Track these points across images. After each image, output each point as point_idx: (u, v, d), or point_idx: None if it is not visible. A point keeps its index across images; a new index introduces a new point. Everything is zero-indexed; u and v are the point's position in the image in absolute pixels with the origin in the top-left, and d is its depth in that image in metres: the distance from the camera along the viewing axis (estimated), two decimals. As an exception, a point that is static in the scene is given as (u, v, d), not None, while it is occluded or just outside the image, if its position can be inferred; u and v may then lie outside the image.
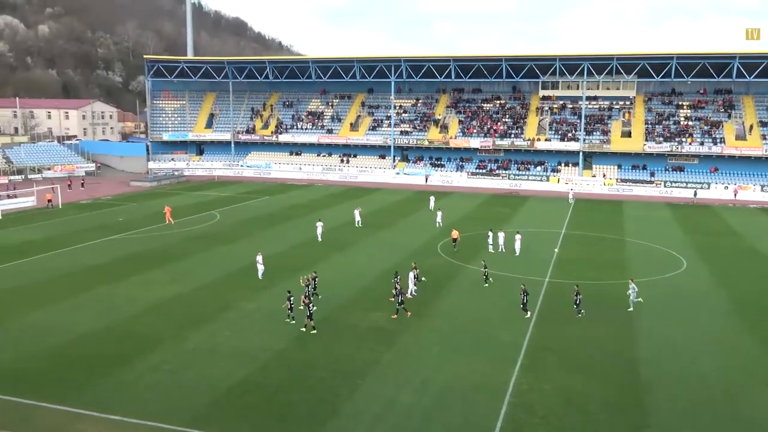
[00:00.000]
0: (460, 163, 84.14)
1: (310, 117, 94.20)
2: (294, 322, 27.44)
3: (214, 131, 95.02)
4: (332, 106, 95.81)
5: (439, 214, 51.88)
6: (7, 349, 24.42)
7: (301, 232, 48.02)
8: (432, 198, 61.60)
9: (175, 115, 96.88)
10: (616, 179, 76.69)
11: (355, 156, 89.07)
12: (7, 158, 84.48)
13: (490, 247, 42.00)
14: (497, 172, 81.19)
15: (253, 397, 20.69)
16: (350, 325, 27.48)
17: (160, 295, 31.58)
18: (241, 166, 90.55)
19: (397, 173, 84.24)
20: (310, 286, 30.27)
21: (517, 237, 41.47)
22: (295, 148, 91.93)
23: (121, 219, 53.53)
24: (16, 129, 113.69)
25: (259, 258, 34.92)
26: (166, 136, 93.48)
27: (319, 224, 46.48)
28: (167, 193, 70.61)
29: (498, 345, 25.37)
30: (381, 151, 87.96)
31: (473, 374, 22.52)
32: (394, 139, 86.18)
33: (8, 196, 60.37)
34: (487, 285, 33.55)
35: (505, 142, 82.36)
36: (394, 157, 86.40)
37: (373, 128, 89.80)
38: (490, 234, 42.59)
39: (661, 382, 22.17)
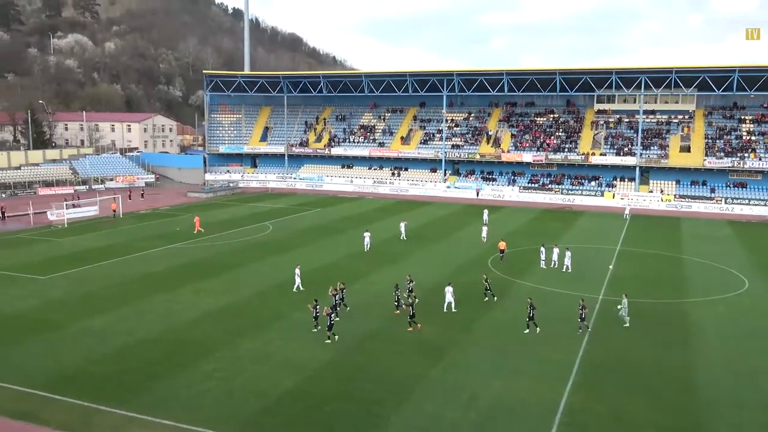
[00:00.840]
0: (512, 177, 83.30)
1: (362, 130, 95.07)
2: (317, 330, 27.72)
3: (268, 144, 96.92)
4: (384, 119, 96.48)
5: (485, 229, 51.06)
6: (70, 352, 25.36)
7: (352, 244, 48.37)
8: (486, 211, 61.24)
9: (232, 129, 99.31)
10: (674, 195, 74.46)
11: (406, 169, 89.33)
12: (73, 169, 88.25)
13: (542, 262, 41.27)
14: (550, 186, 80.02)
15: (301, 406, 20.88)
16: (398, 337, 27.46)
17: (214, 303, 32.30)
18: (294, 178, 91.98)
19: (448, 187, 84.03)
20: (337, 296, 30.44)
21: (567, 253, 40.64)
22: (347, 161, 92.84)
23: (178, 229, 55.08)
24: (82, 141, 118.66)
25: (297, 270, 35.31)
26: (222, 149, 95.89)
27: (367, 234, 46.87)
28: (222, 204, 72.32)
29: (549, 362, 24.89)
30: (432, 164, 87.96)
31: (523, 391, 22.15)
32: (446, 152, 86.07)
33: (73, 206, 62.84)
34: (486, 300, 32.95)
35: (559, 157, 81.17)
36: (445, 170, 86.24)
37: (425, 142, 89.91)
38: (543, 249, 41.91)
39: (720, 406, 21.32)
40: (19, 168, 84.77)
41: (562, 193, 78.20)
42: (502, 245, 43.96)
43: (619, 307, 29.74)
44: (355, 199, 78.77)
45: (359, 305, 31.72)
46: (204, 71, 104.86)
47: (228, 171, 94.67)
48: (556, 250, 41.54)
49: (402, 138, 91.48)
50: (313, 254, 44.95)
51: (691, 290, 36.10)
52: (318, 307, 27.85)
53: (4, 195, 77.47)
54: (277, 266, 40.83)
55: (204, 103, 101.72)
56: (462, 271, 40.12)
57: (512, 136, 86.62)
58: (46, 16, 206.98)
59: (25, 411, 20.18)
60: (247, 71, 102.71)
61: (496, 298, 33.13)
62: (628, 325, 29.03)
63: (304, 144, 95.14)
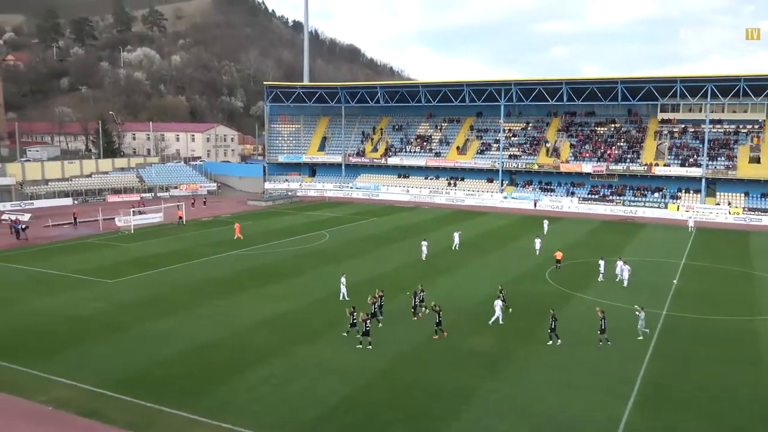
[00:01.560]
0: (571, 188, 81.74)
1: (418, 140, 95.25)
2: (347, 335, 28.16)
3: (326, 154, 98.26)
4: (441, 129, 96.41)
5: (538, 241, 49.78)
6: (133, 354, 26.32)
7: (407, 254, 48.47)
8: (546, 222, 60.31)
9: (291, 138, 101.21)
10: (743, 208, 71.46)
11: (462, 179, 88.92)
12: (140, 177, 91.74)
13: (601, 276, 40.20)
14: (611, 197, 78.11)
15: (356, 414, 21.03)
16: (452, 348, 27.32)
17: (272, 310, 32.94)
18: (351, 187, 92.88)
19: (505, 197, 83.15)
20: (375, 305, 30.80)
21: (626, 267, 39.26)
22: (403, 171, 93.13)
23: (238, 236, 56.33)
24: (149, 150, 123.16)
25: (343, 279, 35.52)
26: (281, 158, 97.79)
27: (424, 243, 46.93)
28: (281, 213, 73.66)
29: (609, 378, 24.26)
30: (489, 174, 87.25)
31: (580, 408, 21.66)
32: (503, 162, 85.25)
33: (139, 212, 65.25)
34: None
35: (620, 167, 79.19)
36: (502, 180, 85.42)
37: (481, 152, 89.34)
38: (602, 263, 40.88)
39: (792, 430, 20.30)
40: (90, 176, 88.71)
41: (623, 205, 76.19)
42: (558, 255, 43.44)
43: (637, 313, 29.17)
44: (411, 209, 78.86)
45: (411, 315, 31.70)
46: (264, 83, 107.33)
47: (287, 180, 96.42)
48: (619, 264, 40.11)
49: (458, 148, 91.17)
50: (369, 263, 45.26)
51: (762, 307, 34.55)
52: (355, 313, 28.28)
53: (76, 201, 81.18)
54: (333, 275, 41.19)
55: (264, 114, 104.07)
56: (517, 282, 39.60)
57: (571, 146, 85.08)
58: (117, 31, 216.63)
59: (94, 409, 21.03)
60: (306, 82, 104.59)
61: (510, 309, 32.38)
62: (641, 338, 28.48)
63: (361, 154, 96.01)
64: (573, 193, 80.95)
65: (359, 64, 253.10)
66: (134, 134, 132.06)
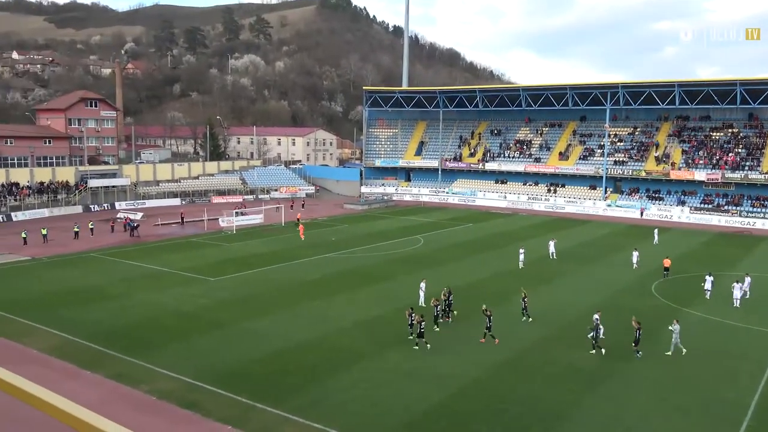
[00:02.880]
0: (681, 197, 77.38)
1: (517, 145, 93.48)
2: (412, 337, 28.10)
3: (422, 158, 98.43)
4: (541, 134, 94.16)
5: (636, 254, 46.11)
6: (231, 350, 27.40)
7: (502, 261, 47.66)
8: (656, 231, 57.54)
9: (388, 143, 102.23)
10: None
11: (563, 186, 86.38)
12: (243, 179, 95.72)
13: (707, 293, 36.91)
14: (726, 208, 73.25)
15: (446, 423, 20.80)
16: (549, 361, 26.48)
17: (364, 313, 33.33)
18: (447, 192, 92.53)
19: (609, 205, 79.97)
20: (439, 306, 30.88)
21: (737, 286, 35.41)
22: (501, 177, 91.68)
23: (334, 239, 57.56)
24: (252, 154, 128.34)
25: (422, 285, 35.16)
26: (378, 162, 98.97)
27: (522, 251, 45.93)
28: (376, 217, 74.48)
29: (719, 402, 22.68)
30: (591, 181, 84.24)
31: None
32: (607, 169, 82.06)
33: (242, 213, 68.00)
34: (524, 319, 31.69)
35: (737, 175, 74.11)
36: (606, 188, 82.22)
37: (584, 157, 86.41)
38: (708, 279, 37.30)
39: None
40: (197, 178, 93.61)
41: (740, 215, 71.23)
42: (666, 263, 41.73)
43: (670, 328, 27.25)
44: (508, 216, 77.49)
45: (508, 324, 31.12)
46: (364, 87, 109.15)
47: (383, 184, 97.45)
48: (738, 285, 35.61)
49: (560, 153, 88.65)
50: (463, 270, 44.86)
51: None
52: (414, 315, 28.36)
53: (184, 202, 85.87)
54: (429, 279, 41.12)
55: (363, 118, 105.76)
56: (620, 295, 37.94)
57: (683, 152, 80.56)
58: (226, 39, 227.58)
59: (193, 401, 22.06)
60: (404, 87, 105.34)
61: (531, 319, 31.87)
62: (669, 353, 26.76)
63: (458, 158, 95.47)
64: (684, 202, 76.59)
65: (458, 68, 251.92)
66: (239, 138, 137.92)
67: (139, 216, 67.71)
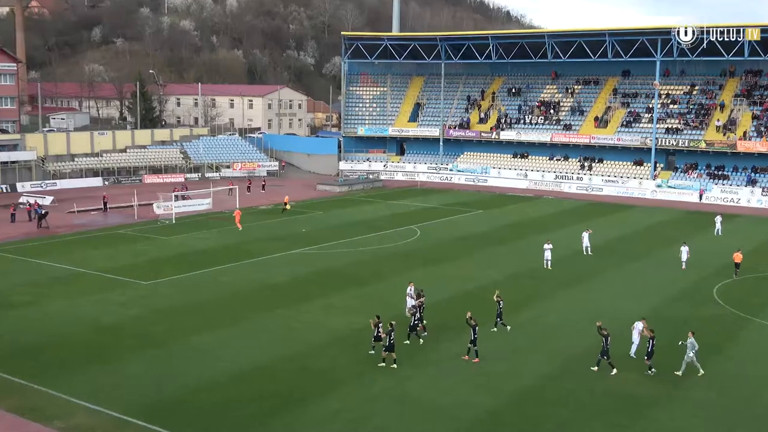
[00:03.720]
0: (752, 175, 78.14)
1: (541, 108, 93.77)
2: (373, 352, 28.72)
3: (419, 125, 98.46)
4: (572, 93, 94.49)
5: (685, 250, 46.10)
6: (173, 375, 27.26)
7: (522, 259, 47.91)
8: (718, 219, 58.00)
9: (374, 105, 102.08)
10: None
11: (600, 161, 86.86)
12: (184, 153, 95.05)
13: None
14: (809, 189, 74.18)
15: (450, 467, 20.97)
16: (582, 386, 26.70)
17: (345, 325, 33.40)
18: (451, 170, 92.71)
19: (659, 186, 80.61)
20: (414, 316, 31.35)
21: None
22: (521, 149, 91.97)
23: (304, 230, 57.46)
24: (196, 119, 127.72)
25: (410, 290, 35.17)
26: (361, 131, 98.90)
27: (547, 247, 45.97)
28: (360, 201, 74.48)
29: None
30: (637, 155, 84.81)
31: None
32: (657, 138, 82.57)
33: (184, 197, 67.55)
34: (494, 329, 32.26)
35: (824, 147, 74.94)
36: (655, 163, 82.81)
37: (628, 124, 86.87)
38: None
39: None
40: (124, 150, 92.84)
41: (827, 199, 72.17)
42: (737, 257, 42.40)
43: (681, 342, 27.97)
44: (530, 199, 77.80)
45: (531, 340, 31.29)
46: (343, 33, 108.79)
47: (368, 159, 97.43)
48: None
49: (596, 119, 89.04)
50: (471, 270, 45.01)
51: None
52: (381, 324, 28.74)
53: (107, 182, 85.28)
54: (424, 282, 41.19)
55: (341, 73, 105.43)
56: (675, 301, 38.30)
57: (754, 117, 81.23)
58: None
59: (121, 441, 22.02)
60: (395, 32, 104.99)
61: (509, 327, 32.64)
62: (680, 373, 27.47)
63: (464, 126, 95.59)
64: (755, 182, 77.39)
65: (465, 7, 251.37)
66: (179, 99, 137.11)
67: (48, 201, 67.20)
